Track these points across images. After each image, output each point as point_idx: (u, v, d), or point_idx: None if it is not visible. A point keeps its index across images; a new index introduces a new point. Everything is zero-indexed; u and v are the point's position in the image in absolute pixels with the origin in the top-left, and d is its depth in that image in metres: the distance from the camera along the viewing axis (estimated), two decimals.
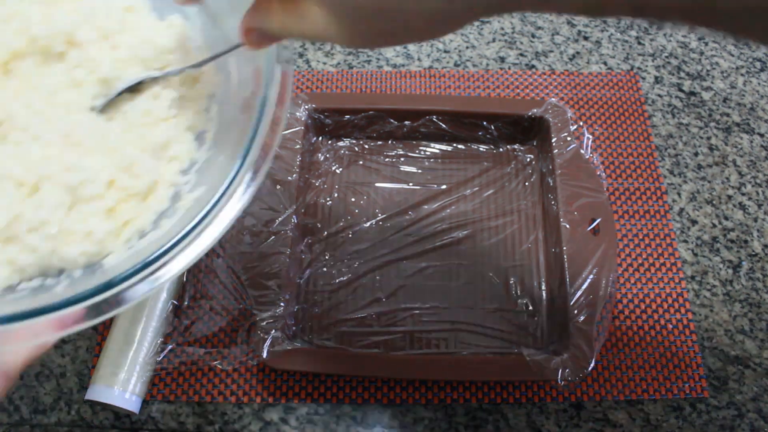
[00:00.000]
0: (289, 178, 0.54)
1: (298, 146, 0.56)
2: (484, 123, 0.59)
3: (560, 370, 0.46)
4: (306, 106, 0.58)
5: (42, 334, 0.28)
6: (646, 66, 0.68)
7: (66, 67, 0.36)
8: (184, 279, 0.54)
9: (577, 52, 0.68)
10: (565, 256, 0.51)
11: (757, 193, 0.60)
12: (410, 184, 0.59)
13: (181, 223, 0.31)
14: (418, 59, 0.67)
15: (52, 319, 0.27)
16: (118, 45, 0.37)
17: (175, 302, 0.52)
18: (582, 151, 0.56)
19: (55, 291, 0.32)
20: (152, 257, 0.29)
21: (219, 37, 0.37)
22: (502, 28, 0.69)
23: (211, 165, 0.36)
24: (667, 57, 0.68)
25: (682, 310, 0.54)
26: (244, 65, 0.36)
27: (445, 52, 0.68)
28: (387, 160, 0.60)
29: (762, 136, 0.63)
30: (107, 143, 0.34)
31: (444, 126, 0.59)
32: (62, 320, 0.28)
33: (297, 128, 0.57)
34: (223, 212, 0.31)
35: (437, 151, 0.61)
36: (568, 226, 0.52)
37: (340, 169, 0.60)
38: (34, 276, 0.33)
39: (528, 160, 0.61)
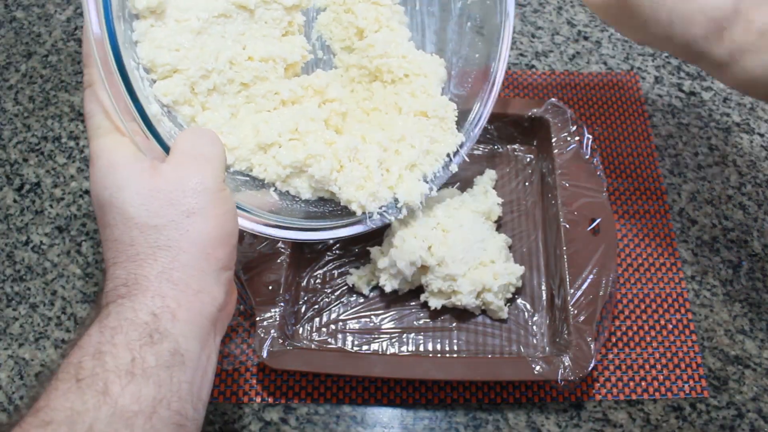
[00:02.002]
0: None
1: None
2: None
3: (560, 370, 0.46)
4: None
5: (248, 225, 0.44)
6: (646, 66, 0.68)
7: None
8: None
9: (577, 52, 0.68)
10: (565, 256, 0.51)
11: (757, 193, 0.60)
12: None
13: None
14: None
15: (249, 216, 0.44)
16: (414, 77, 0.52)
17: None
18: (582, 151, 0.56)
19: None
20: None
21: None
22: None
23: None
24: (667, 57, 0.68)
25: (682, 310, 0.54)
26: None
27: None
28: None
29: (762, 136, 0.63)
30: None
31: None
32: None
33: None
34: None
35: None
36: (568, 226, 0.52)
37: None
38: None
39: (528, 160, 0.61)
